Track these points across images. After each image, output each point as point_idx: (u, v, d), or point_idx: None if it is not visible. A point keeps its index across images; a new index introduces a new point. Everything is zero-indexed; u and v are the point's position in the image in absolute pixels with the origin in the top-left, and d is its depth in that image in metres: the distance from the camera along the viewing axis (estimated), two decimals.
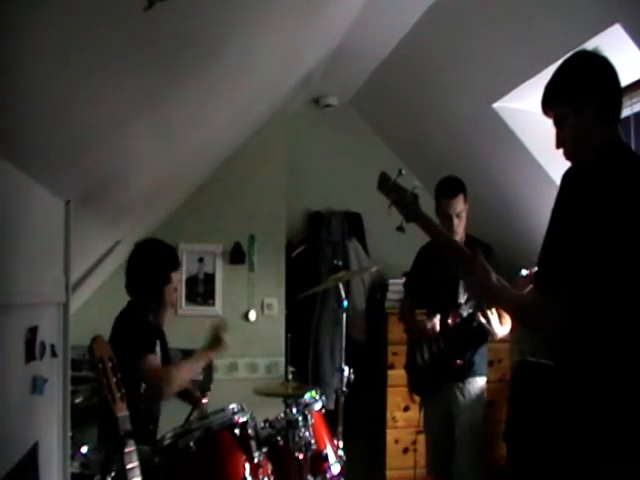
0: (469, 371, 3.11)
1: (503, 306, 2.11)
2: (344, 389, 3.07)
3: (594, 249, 1.53)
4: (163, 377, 2.36)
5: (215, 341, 2.66)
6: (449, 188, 3.13)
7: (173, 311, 3.00)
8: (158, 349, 2.63)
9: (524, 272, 2.14)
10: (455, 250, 2.09)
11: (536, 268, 2.06)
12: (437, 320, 3.09)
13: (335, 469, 2.71)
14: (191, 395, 2.84)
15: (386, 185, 2.26)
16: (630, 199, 1.56)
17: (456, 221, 3.09)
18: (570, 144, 1.72)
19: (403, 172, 2.28)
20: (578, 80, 1.69)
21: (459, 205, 3.09)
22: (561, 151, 1.76)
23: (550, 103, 1.74)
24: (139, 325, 2.57)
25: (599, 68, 1.68)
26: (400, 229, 2.17)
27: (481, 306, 2.87)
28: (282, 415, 2.70)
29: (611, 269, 1.52)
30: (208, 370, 3.66)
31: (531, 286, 2.02)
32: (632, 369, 1.50)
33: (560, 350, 1.59)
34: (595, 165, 1.64)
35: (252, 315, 4.05)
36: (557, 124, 1.74)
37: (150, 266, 2.66)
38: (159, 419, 2.72)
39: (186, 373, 2.57)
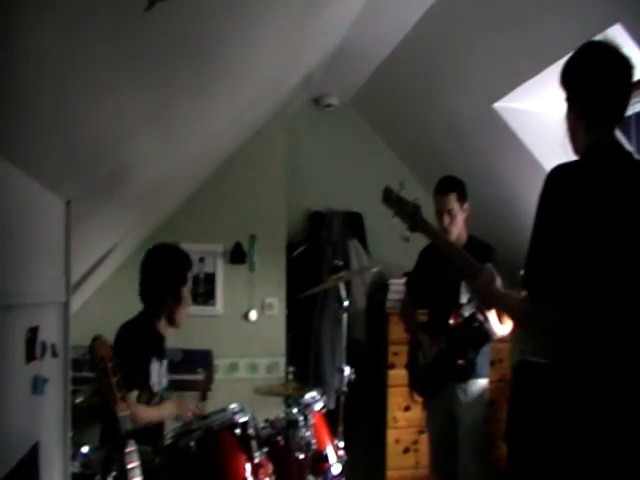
0: (471, 372, 3.11)
1: (505, 312, 2.15)
2: (345, 389, 3.07)
3: (577, 248, 1.54)
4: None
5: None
6: (441, 186, 3.16)
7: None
8: (157, 366, 2.65)
9: None
10: (458, 256, 2.11)
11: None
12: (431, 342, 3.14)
13: (336, 469, 2.71)
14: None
15: (390, 198, 2.37)
16: (611, 201, 1.57)
17: (446, 219, 3.09)
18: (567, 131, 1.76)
19: (404, 184, 2.40)
20: (573, 78, 1.70)
21: (449, 203, 3.09)
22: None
23: (561, 84, 1.75)
24: (139, 343, 2.57)
25: (599, 69, 1.66)
26: (404, 239, 2.28)
27: (480, 307, 2.88)
28: (283, 415, 2.70)
29: (593, 267, 1.54)
30: (209, 370, 3.66)
31: None
32: (630, 368, 1.50)
33: (558, 350, 1.59)
34: (581, 165, 1.65)
35: (253, 315, 4.05)
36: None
37: (168, 267, 2.70)
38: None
39: (152, 417, 2.54)
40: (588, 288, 1.54)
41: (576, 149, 1.73)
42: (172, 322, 2.73)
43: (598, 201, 1.56)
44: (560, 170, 1.61)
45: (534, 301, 1.60)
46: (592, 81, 1.66)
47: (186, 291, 2.74)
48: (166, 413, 2.62)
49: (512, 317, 1.98)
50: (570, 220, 1.55)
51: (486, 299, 1.91)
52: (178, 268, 2.73)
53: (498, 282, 1.81)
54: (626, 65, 1.64)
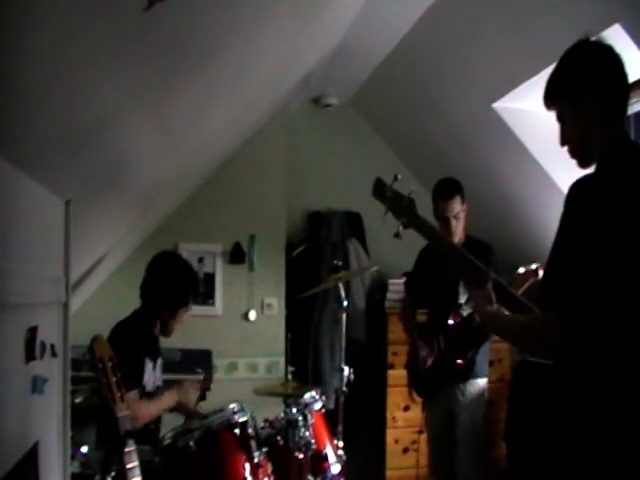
0: (470, 372, 3.11)
1: (506, 334, 1.93)
2: (344, 389, 3.07)
3: (605, 259, 1.45)
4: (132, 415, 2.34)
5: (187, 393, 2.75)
6: (445, 190, 3.12)
7: None
8: (151, 366, 2.65)
9: (521, 270, 2.10)
10: (458, 256, 2.00)
11: (533, 266, 2.03)
12: (427, 353, 3.14)
13: (335, 469, 2.71)
14: (187, 410, 2.82)
15: (381, 191, 2.12)
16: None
17: (454, 223, 3.08)
18: (573, 143, 1.66)
19: (399, 177, 2.12)
20: (578, 75, 1.61)
21: (456, 207, 3.08)
22: (561, 151, 1.73)
23: (551, 99, 1.67)
24: (132, 343, 2.56)
25: (601, 61, 1.60)
26: (397, 236, 2.07)
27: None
28: (282, 415, 2.70)
29: (621, 279, 1.45)
30: (209, 370, 3.66)
31: (528, 284, 1.99)
32: (633, 369, 1.49)
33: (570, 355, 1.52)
34: (602, 168, 1.57)
35: (252, 315, 4.05)
36: (559, 120, 1.67)
37: (173, 286, 2.67)
38: (161, 418, 2.73)
39: (154, 411, 2.57)
40: (622, 305, 1.45)
41: (589, 157, 1.63)
42: (164, 332, 2.73)
43: (626, 207, 1.46)
44: (583, 184, 1.51)
45: (551, 316, 1.49)
46: (601, 77, 1.59)
47: (182, 312, 2.72)
48: (167, 403, 2.62)
49: (520, 338, 1.70)
50: (597, 229, 1.45)
51: (483, 320, 1.79)
52: (182, 290, 2.71)
53: (494, 305, 1.71)
54: (617, 57, 1.60)
